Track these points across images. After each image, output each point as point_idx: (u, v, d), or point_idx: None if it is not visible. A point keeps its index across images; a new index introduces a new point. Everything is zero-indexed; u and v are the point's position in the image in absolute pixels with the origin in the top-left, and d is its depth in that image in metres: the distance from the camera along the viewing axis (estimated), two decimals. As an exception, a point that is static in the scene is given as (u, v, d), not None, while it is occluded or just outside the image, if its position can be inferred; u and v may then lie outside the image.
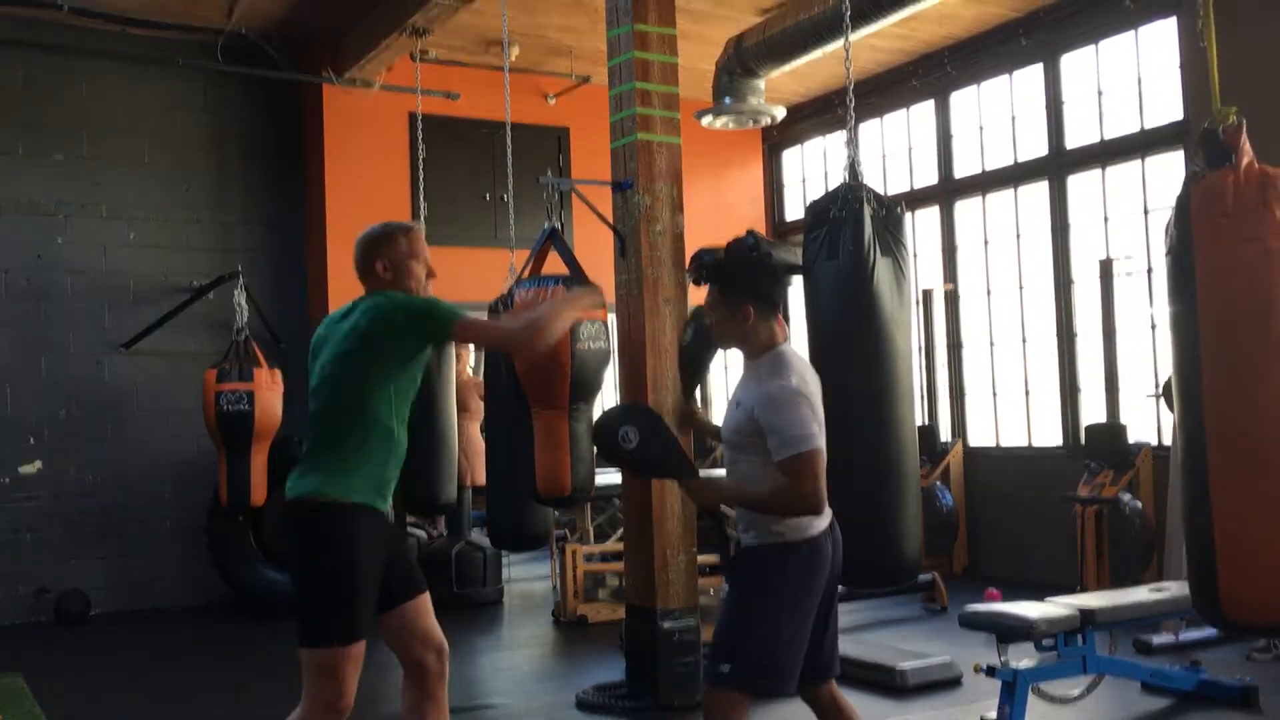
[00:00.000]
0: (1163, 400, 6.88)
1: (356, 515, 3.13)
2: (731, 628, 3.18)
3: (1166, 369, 6.47)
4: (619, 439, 3.27)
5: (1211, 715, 4.74)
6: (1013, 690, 4.33)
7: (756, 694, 3.21)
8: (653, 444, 3.28)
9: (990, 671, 4.43)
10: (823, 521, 3.20)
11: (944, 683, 5.31)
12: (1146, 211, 7.55)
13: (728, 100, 7.68)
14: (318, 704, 3.11)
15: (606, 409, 3.50)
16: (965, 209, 8.91)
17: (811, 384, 3.24)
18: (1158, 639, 5.69)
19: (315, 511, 3.14)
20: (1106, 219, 7.84)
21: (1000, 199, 8.63)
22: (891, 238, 4.16)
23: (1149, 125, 7.55)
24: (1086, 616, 4.51)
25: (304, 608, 3.14)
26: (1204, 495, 3.17)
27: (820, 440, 3.11)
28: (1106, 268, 7.49)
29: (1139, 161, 7.64)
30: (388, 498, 3.26)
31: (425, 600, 3.34)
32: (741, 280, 3.34)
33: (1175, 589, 4.97)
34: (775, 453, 3.08)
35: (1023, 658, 4.52)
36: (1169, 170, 7.41)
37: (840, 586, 3.35)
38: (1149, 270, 7.47)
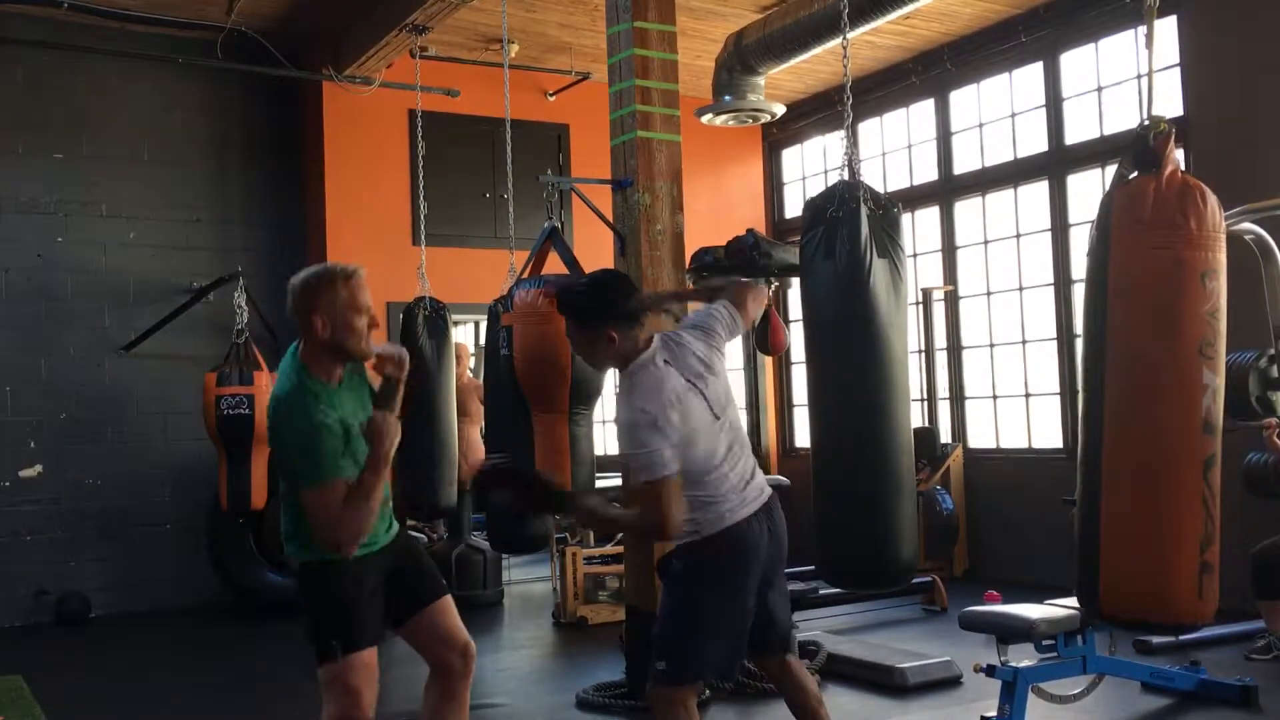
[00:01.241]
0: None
1: (327, 570, 3.14)
2: (662, 626, 3.33)
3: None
4: (498, 506, 3.38)
5: (1211, 715, 4.73)
6: (1013, 690, 4.33)
7: (689, 683, 3.32)
8: (527, 500, 3.37)
9: (990, 671, 4.42)
10: (741, 510, 3.28)
11: (944, 682, 5.31)
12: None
13: (728, 98, 7.67)
14: (337, 716, 3.13)
15: (477, 466, 3.53)
16: (965, 208, 8.89)
17: (672, 387, 3.20)
18: (1158, 639, 5.68)
19: (298, 572, 3.21)
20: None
21: (1000, 198, 8.62)
22: (888, 238, 4.16)
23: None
24: (1086, 617, 4.49)
25: (308, 631, 3.19)
26: (1096, 492, 3.28)
27: (666, 466, 3.09)
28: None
29: (1139, 160, 7.61)
30: (370, 541, 3.18)
31: (445, 603, 3.35)
32: (594, 306, 3.32)
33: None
34: (633, 481, 3.19)
35: (1023, 658, 4.51)
36: (1169, 169, 7.39)
37: (771, 571, 3.43)
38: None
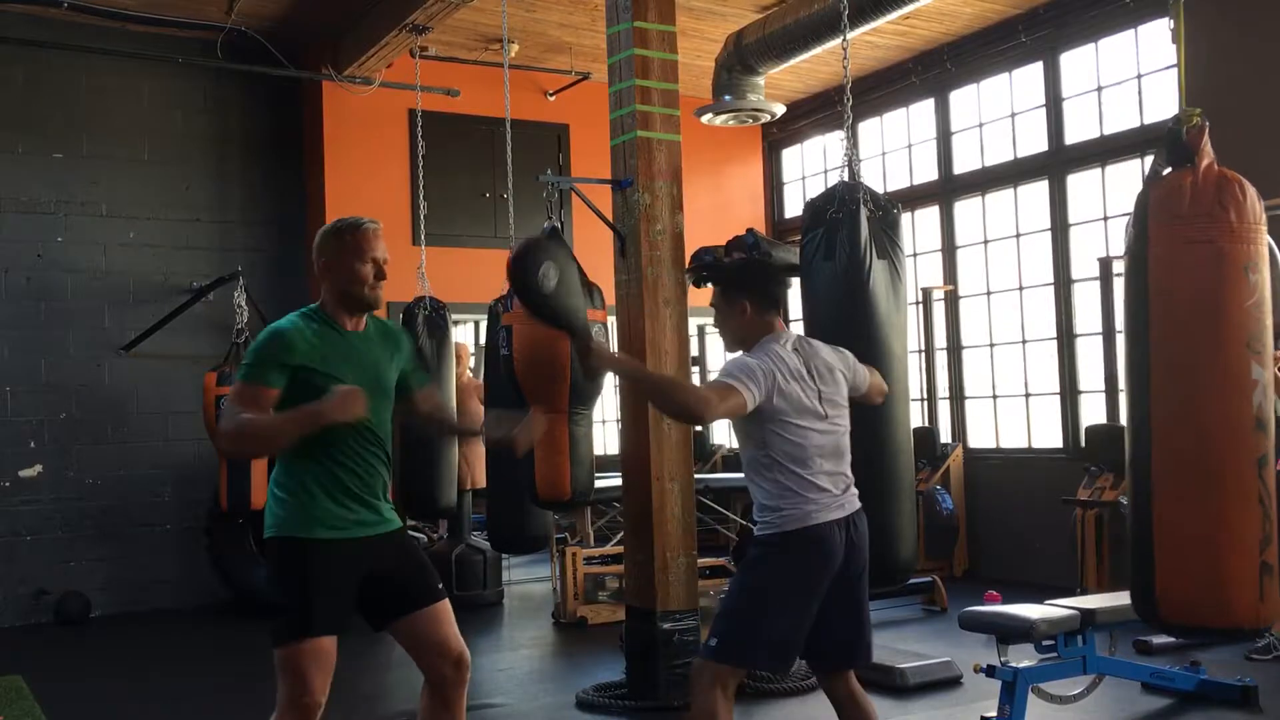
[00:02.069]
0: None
1: (292, 549, 3.13)
2: (726, 606, 3.38)
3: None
4: (539, 275, 3.22)
5: (1211, 715, 4.73)
6: (1013, 690, 4.33)
7: (733, 667, 3.35)
8: (569, 291, 3.28)
9: (990, 671, 4.42)
10: (827, 514, 3.30)
11: (944, 682, 5.31)
12: (1147, 210, 7.53)
13: (728, 98, 7.68)
14: (285, 700, 3.10)
15: (526, 238, 3.39)
16: (965, 208, 8.89)
17: (786, 363, 3.32)
18: (1158, 639, 5.68)
19: (267, 546, 3.21)
20: (1106, 218, 7.83)
21: (1000, 198, 8.62)
22: (888, 239, 4.16)
23: (1149, 122, 7.53)
24: (1087, 617, 4.50)
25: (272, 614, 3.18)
26: (1147, 495, 3.21)
27: (741, 387, 3.21)
28: (1106, 267, 7.47)
29: (1139, 160, 7.62)
30: (333, 519, 3.13)
31: (438, 610, 3.27)
32: (739, 278, 3.50)
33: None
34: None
35: (1023, 658, 4.51)
36: (1170, 169, 7.40)
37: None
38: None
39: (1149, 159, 7.53)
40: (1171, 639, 5.67)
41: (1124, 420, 3.49)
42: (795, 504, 3.28)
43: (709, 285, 4.03)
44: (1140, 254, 3.21)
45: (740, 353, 3.42)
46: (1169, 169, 3.24)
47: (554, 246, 3.40)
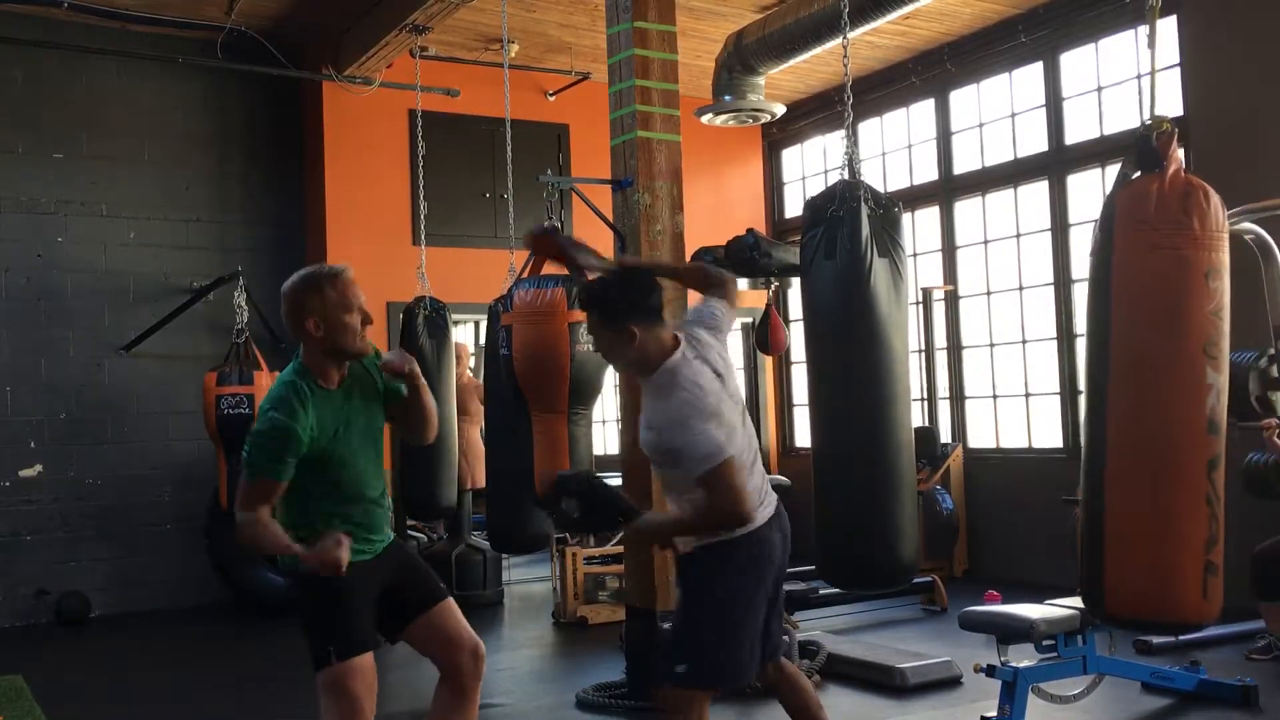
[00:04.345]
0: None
1: (313, 576, 3.12)
2: (685, 628, 3.26)
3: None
4: (564, 511, 3.29)
5: (1211, 715, 4.73)
6: (1013, 690, 4.33)
7: (707, 688, 3.27)
8: (595, 510, 3.28)
9: (990, 671, 4.42)
10: (764, 513, 3.25)
11: (944, 682, 5.30)
12: (1147, 210, 7.53)
13: (728, 98, 7.67)
14: None
15: (548, 477, 3.44)
16: (965, 208, 8.89)
17: (707, 386, 3.17)
18: (1158, 639, 5.68)
19: (293, 575, 3.20)
20: (1107, 218, 7.82)
21: (1000, 198, 8.62)
22: (889, 238, 4.15)
23: (1149, 122, 7.52)
24: (1087, 617, 4.49)
25: (308, 640, 3.20)
26: (1099, 491, 3.28)
27: (726, 448, 3.06)
28: (1107, 267, 7.46)
29: (1139, 160, 7.62)
30: (357, 550, 3.16)
31: (447, 605, 3.36)
32: (619, 301, 3.26)
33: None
34: (692, 473, 3.09)
35: (1023, 658, 4.51)
36: (1170, 169, 7.40)
37: (784, 580, 3.44)
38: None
39: (1149, 159, 7.56)
40: (1171, 639, 5.68)
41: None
42: None
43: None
44: (1105, 257, 3.28)
45: (666, 405, 3.14)
46: (1137, 174, 3.31)
47: (567, 482, 3.37)
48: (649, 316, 3.23)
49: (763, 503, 3.28)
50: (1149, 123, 3.31)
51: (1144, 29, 8.11)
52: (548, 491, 3.35)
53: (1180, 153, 3.28)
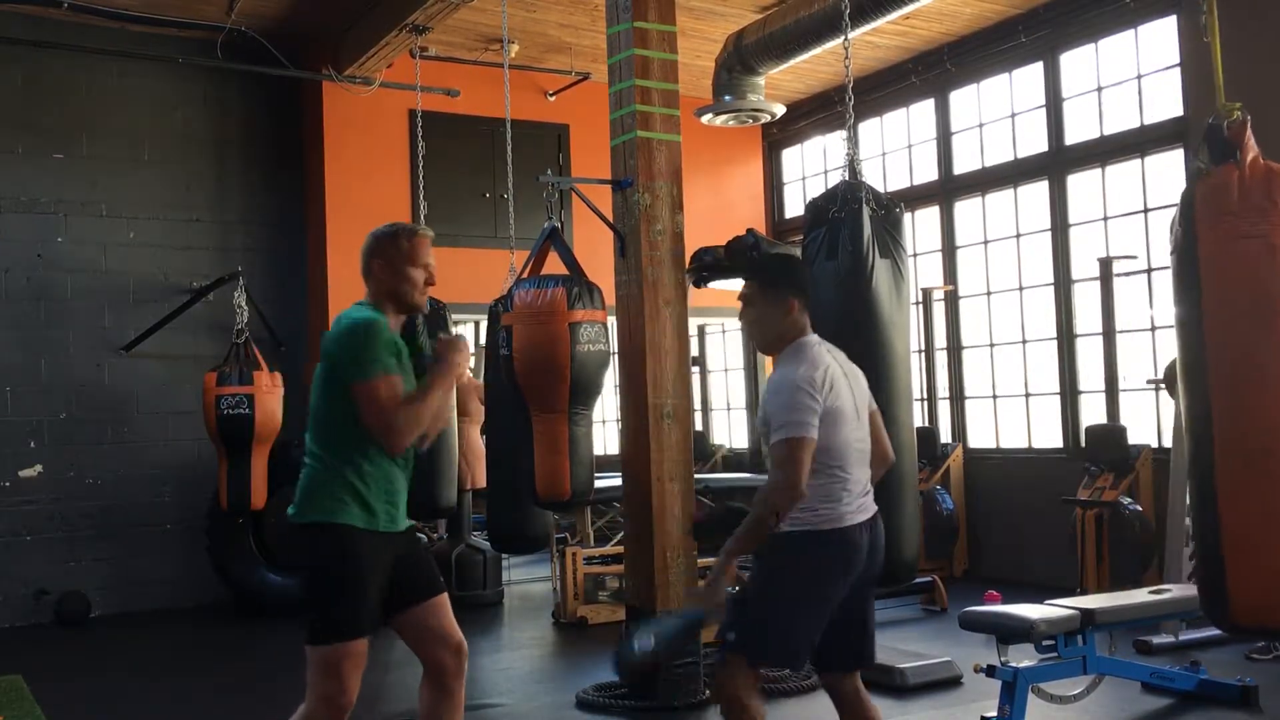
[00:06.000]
0: (1164, 389, 6.81)
1: (342, 536, 3.14)
2: (746, 598, 3.30)
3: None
4: (644, 655, 3.29)
5: (1211, 715, 4.73)
6: (1013, 690, 4.33)
7: (752, 663, 3.30)
8: (671, 639, 3.32)
9: (990, 671, 4.43)
10: (858, 515, 3.28)
11: (944, 682, 5.31)
12: (1146, 210, 7.54)
13: (728, 98, 7.68)
14: (320, 700, 3.12)
15: (627, 639, 3.40)
16: (965, 208, 8.90)
17: (830, 369, 3.27)
18: (1158, 639, 5.69)
19: (310, 531, 3.19)
20: (1106, 218, 7.83)
21: (1000, 198, 8.62)
22: (890, 239, 4.15)
23: (1149, 123, 7.54)
24: (1087, 617, 4.50)
25: (309, 609, 3.18)
26: (1211, 496, 3.14)
27: (810, 429, 3.14)
28: (1106, 267, 7.47)
29: (1139, 160, 7.63)
30: (383, 515, 3.22)
31: (441, 601, 3.36)
32: (785, 274, 3.42)
33: (1176, 591, 4.97)
34: (772, 438, 3.17)
35: (1023, 658, 4.51)
36: (1169, 168, 7.40)
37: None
38: (1149, 270, 7.46)
39: (1149, 159, 7.56)
40: (1171, 639, 5.68)
41: (1182, 420, 3.39)
42: (832, 505, 3.25)
43: (709, 285, 3.92)
44: (1189, 253, 3.16)
45: (779, 372, 3.27)
46: (1212, 165, 3.19)
47: (645, 628, 3.37)
48: (807, 300, 3.38)
49: (862, 505, 3.30)
50: (1219, 112, 3.20)
51: (1144, 29, 8.11)
52: (627, 648, 3.35)
53: (1253, 139, 3.18)
